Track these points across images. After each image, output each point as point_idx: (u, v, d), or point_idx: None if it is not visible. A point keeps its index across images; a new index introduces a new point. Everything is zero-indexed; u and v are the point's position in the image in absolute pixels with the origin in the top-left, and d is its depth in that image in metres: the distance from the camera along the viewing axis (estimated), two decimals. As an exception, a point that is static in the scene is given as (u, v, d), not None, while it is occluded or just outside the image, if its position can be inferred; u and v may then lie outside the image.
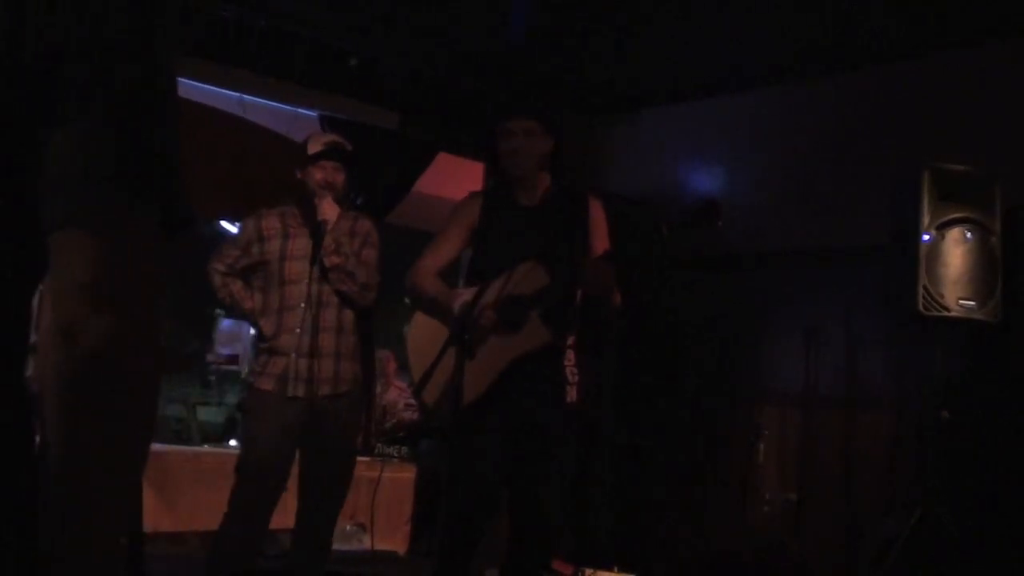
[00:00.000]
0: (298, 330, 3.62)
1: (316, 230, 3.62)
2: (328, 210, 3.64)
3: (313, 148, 3.71)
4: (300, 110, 5.82)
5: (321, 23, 5.69)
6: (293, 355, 3.60)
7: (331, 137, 3.81)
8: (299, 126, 5.54)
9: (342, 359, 3.67)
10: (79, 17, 1.32)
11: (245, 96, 5.55)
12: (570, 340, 3.32)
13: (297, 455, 3.68)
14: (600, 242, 3.33)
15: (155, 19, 1.38)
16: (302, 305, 3.62)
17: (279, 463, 3.61)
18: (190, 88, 5.37)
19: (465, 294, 3.26)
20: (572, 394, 3.28)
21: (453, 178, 6.49)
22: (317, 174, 3.68)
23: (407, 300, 3.65)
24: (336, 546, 5.41)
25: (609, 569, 4.92)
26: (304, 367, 3.60)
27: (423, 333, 3.35)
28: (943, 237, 4.32)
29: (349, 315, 3.72)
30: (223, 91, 5.52)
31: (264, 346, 3.73)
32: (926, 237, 4.32)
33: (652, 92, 6.41)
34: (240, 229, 3.84)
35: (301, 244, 3.67)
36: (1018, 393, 4.65)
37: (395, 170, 6.09)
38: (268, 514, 3.65)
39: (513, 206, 3.40)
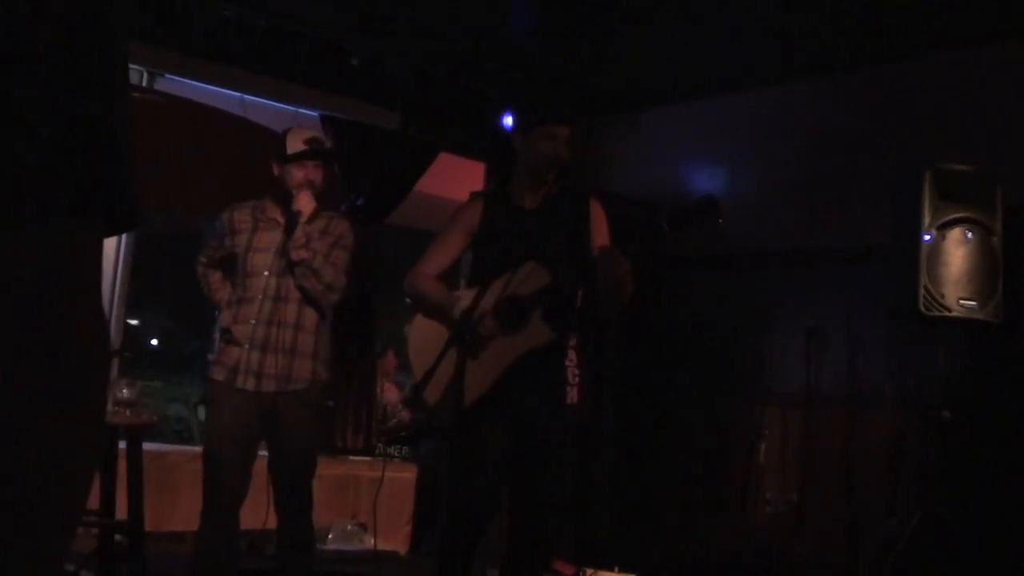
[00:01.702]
0: (253, 321, 3.56)
1: (289, 221, 3.58)
2: (304, 202, 3.59)
3: (294, 147, 3.62)
4: (301, 110, 5.82)
5: (322, 23, 5.70)
6: (246, 346, 3.55)
7: (310, 134, 3.72)
8: (300, 126, 5.54)
9: (298, 356, 3.59)
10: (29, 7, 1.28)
11: (246, 96, 5.55)
12: (572, 341, 3.32)
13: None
14: (601, 242, 3.34)
15: (106, 10, 1.33)
16: (260, 297, 3.57)
17: (236, 453, 3.54)
18: (191, 88, 5.38)
19: (465, 298, 3.26)
20: (573, 395, 3.29)
21: (454, 178, 6.49)
22: (297, 173, 3.61)
23: (408, 300, 3.65)
24: (337, 546, 5.43)
25: (609, 569, 4.92)
26: (256, 360, 3.54)
27: (424, 334, 3.35)
28: (944, 237, 4.32)
29: (311, 313, 3.64)
30: (224, 91, 5.52)
31: (221, 336, 3.66)
32: (927, 237, 4.31)
33: (652, 92, 6.41)
34: (216, 222, 3.79)
35: (268, 237, 3.63)
36: (1019, 393, 4.65)
37: (396, 170, 6.09)
38: (235, 506, 3.59)
39: (515, 208, 3.40)
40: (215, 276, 3.78)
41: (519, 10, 5.47)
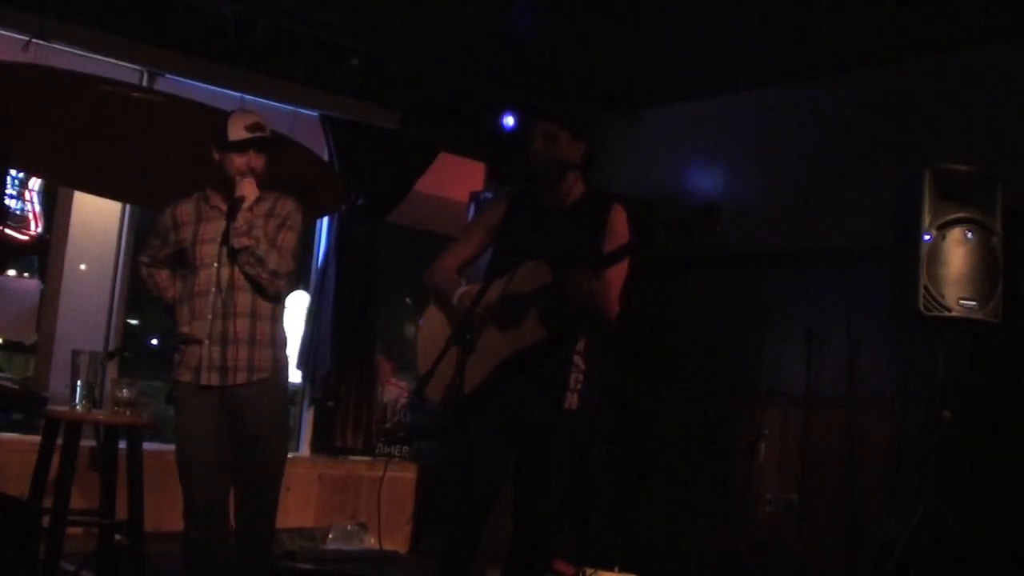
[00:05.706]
0: (210, 316, 3.50)
1: (231, 208, 3.48)
2: (248, 188, 3.50)
3: (235, 135, 3.50)
4: (301, 110, 5.82)
5: (322, 23, 5.70)
6: (206, 342, 3.49)
7: (252, 119, 3.58)
8: (300, 126, 5.54)
9: (258, 346, 3.54)
10: None
11: (246, 96, 5.55)
12: (580, 346, 3.28)
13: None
14: (615, 247, 3.29)
15: None
16: (213, 290, 3.51)
17: (210, 452, 3.52)
18: (191, 87, 5.38)
19: (466, 286, 3.27)
20: (572, 401, 3.25)
21: (454, 178, 6.49)
22: (238, 160, 3.51)
23: (408, 300, 3.64)
24: (337, 545, 5.42)
25: (609, 569, 4.92)
26: (217, 355, 3.49)
27: (433, 326, 3.35)
28: (944, 237, 4.32)
29: (265, 300, 3.58)
30: (224, 90, 5.52)
31: (180, 335, 3.59)
32: (927, 237, 4.32)
33: (652, 92, 6.41)
34: (159, 218, 3.71)
35: (213, 227, 3.55)
36: (1019, 393, 4.65)
37: (396, 170, 6.09)
38: (218, 504, 3.57)
39: (538, 209, 3.38)
40: (162, 274, 3.71)
41: (520, 10, 5.47)
